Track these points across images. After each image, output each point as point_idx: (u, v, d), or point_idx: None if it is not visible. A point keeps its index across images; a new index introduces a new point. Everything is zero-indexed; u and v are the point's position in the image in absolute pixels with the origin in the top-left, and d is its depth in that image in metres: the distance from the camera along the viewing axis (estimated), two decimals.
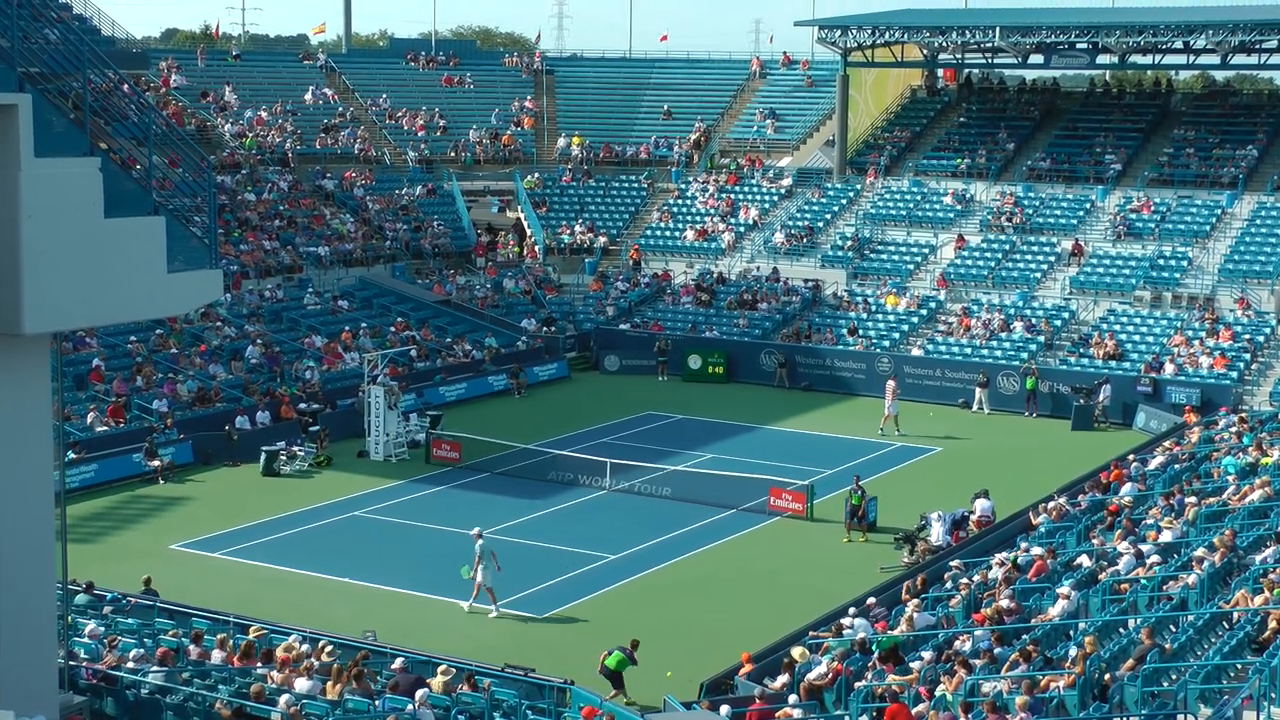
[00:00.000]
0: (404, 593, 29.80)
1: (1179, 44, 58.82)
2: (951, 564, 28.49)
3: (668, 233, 62.33)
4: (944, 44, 62.10)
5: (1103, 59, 61.42)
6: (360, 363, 45.83)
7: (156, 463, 38.65)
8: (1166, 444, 38.93)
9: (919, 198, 60.12)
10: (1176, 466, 35.31)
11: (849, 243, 58.10)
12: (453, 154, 66.51)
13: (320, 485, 38.54)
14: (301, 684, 20.83)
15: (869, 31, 61.78)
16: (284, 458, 39.77)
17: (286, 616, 26.53)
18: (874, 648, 23.01)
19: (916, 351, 50.95)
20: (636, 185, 66.23)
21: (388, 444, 41.10)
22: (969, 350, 50.54)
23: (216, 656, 22.38)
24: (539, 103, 71.32)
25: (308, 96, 67.26)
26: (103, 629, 23.23)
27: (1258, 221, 54.10)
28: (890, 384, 46.05)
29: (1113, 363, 48.25)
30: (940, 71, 67.87)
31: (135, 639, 22.96)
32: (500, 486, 38.30)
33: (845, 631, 24.26)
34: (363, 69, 71.79)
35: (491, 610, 28.65)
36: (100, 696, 20.39)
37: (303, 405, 43.63)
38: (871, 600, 26.17)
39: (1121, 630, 22.47)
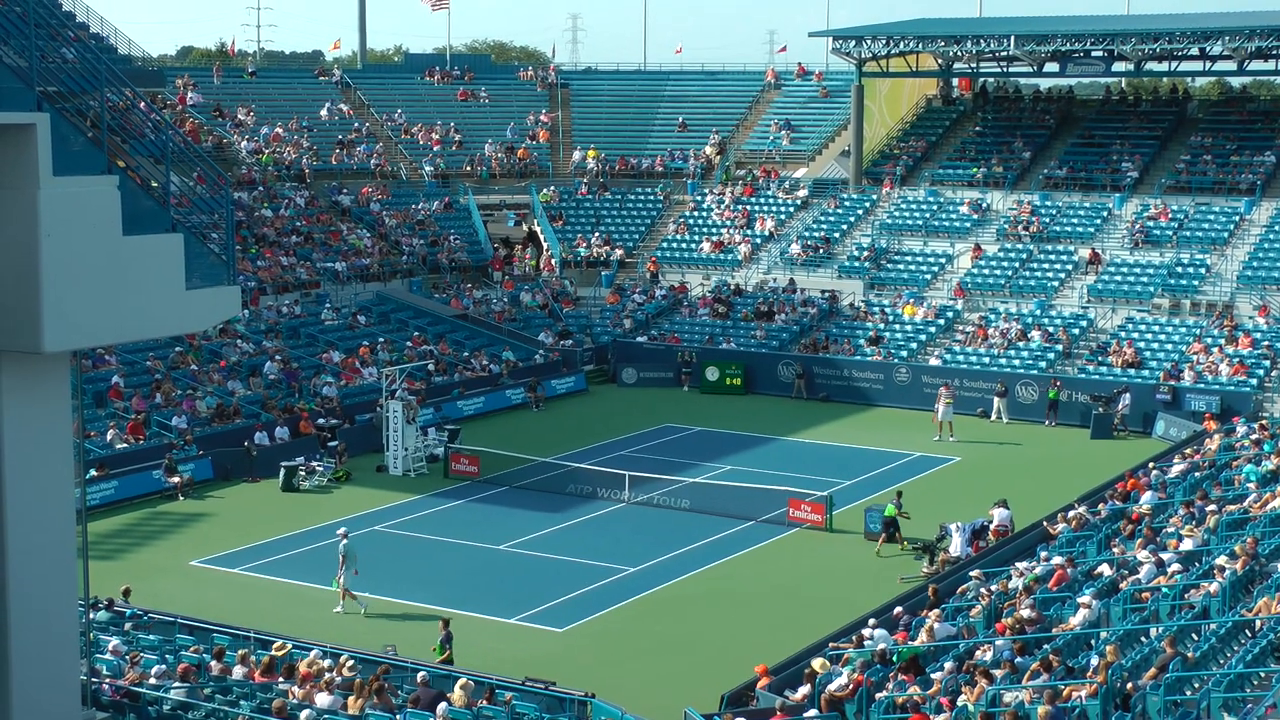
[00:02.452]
0: (424, 607, 29.81)
1: (1195, 51, 58.65)
2: (971, 574, 28.43)
3: (684, 245, 62.36)
4: (959, 53, 62.06)
5: (1118, 66, 61.35)
6: (378, 377, 45.90)
7: (176, 479, 38.77)
8: (1186, 452, 38.80)
9: (935, 207, 60.05)
10: (1197, 474, 35.18)
11: (865, 253, 58.05)
12: (468, 168, 66.62)
13: (339, 500, 38.61)
14: (323, 699, 20.87)
15: (883, 41, 61.77)
16: (303, 473, 39.85)
17: (307, 631, 26.57)
18: (895, 658, 22.95)
19: (934, 361, 50.87)
20: (652, 197, 66.24)
21: (406, 458, 41.15)
22: (987, 360, 50.43)
23: (238, 672, 22.43)
24: (554, 116, 71.41)
25: (323, 112, 67.48)
26: (125, 646, 23.29)
27: (1276, 228, 53.88)
28: (943, 390, 45.96)
29: (1131, 371, 48.10)
30: (955, 81, 67.83)
31: (157, 655, 23.04)
32: (519, 500, 38.34)
33: (866, 642, 24.21)
34: (378, 84, 71.96)
35: (360, 608, 29.48)
36: (123, 713, 20.42)
37: (321, 421, 43.73)
38: (899, 610, 26.13)
39: (1143, 639, 22.38)
